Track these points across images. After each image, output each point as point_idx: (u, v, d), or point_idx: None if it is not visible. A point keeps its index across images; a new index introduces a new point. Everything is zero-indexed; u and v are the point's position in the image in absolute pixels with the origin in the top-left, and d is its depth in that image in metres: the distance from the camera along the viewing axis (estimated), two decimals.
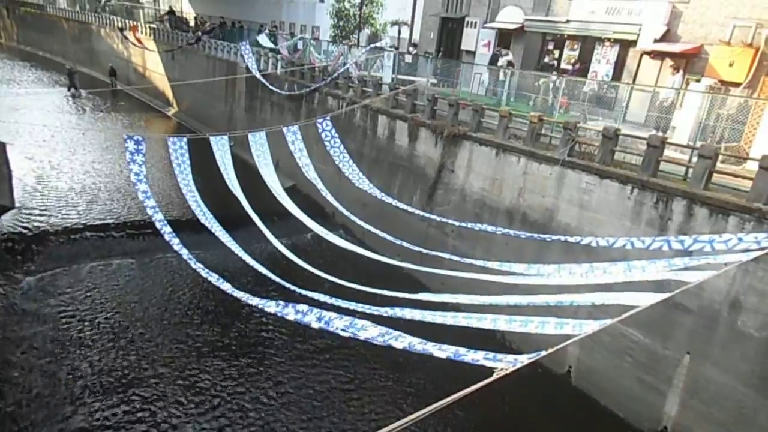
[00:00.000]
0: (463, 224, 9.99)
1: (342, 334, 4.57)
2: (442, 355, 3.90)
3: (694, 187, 9.60)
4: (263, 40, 25.16)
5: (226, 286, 7.11)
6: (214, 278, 7.54)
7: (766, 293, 8.57)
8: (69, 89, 35.27)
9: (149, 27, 36.89)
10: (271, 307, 5.56)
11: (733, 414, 8.97)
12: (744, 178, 9.51)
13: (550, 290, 6.51)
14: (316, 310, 4.97)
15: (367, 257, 8.87)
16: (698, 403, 9.42)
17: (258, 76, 22.58)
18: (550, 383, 11.08)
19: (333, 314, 4.79)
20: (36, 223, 16.06)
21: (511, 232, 8.07)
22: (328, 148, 11.78)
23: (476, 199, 13.91)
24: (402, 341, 4.13)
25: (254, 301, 6.16)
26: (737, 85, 14.07)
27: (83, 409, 9.63)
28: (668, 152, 10.66)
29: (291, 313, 5.17)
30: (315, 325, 4.82)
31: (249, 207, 10.15)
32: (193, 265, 8.05)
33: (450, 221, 10.29)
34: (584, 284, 5.99)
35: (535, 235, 8.39)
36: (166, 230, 8.44)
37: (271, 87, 22.02)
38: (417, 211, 11.06)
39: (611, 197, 10.81)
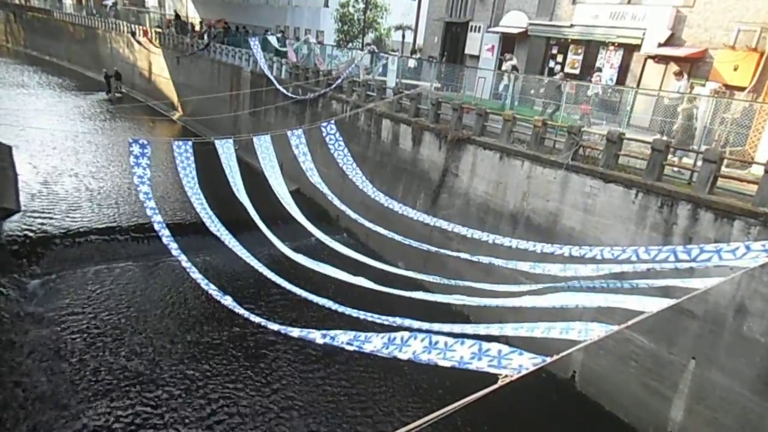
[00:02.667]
0: (467, 231, 9.67)
1: (348, 348, 4.62)
2: (447, 364, 3.91)
3: (699, 191, 9.56)
4: (272, 39, 25.49)
5: (227, 301, 7.10)
6: (215, 292, 7.52)
7: None
8: (108, 93, 37.58)
9: (155, 32, 37.15)
10: (274, 326, 5.66)
11: (739, 420, 8.91)
12: (749, 182, 9.48)
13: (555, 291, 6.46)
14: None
15: (371, 264, 8.84)
16: (704, 408, 9.36)
17: (267, 71, 22.79)
18: (555, 388, 11.03)
19: (338, 331, 4.85)
20: (41, 227, 16.14)
21: (513, 243, 7.88)
22: (332, 151, 11.81)
23: (480, 202, 13.90)
24: (406, 352, 4.15)
25: (257, 319, 6.21)
26: (742, 89, 14.04)
27: (87, 411, 9.64)
28: (672, 156, 10.64)
29: (295, 330, 5.28)
30: (320, 340, 4.90)
31: (254, 212, 10.16)
32: (193, 275, 8.03)
33: (453, 227, 10.01)
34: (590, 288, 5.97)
35: (537, 248, 7.95)
36: (165, 233, 8.43)
37: (278, 86, 22.15)
38: (419, 217, 10.93)
39: (615, 201, 10.78)
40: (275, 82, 22.26)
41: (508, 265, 7.02)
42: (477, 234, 8.60)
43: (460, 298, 6.72)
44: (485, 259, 7.78)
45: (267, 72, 22.83)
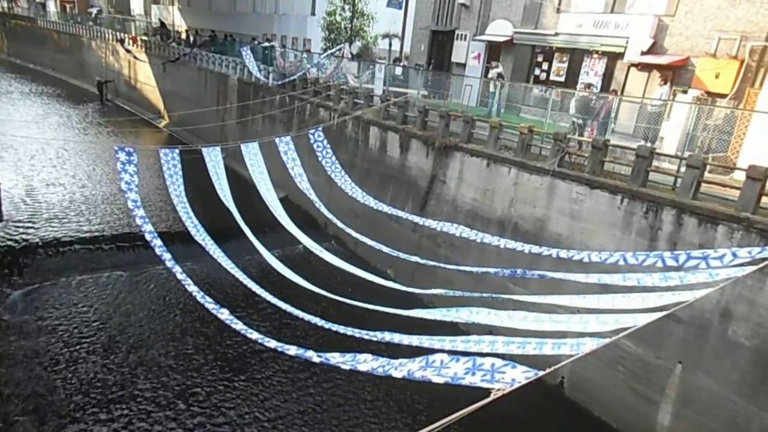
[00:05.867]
0: (456, 230, 9.59)
1: (343, 367, 4.58)
2: (441, 380, 3.89)
3: (683, 196, 9.69)
4: (267, 44, 26.31)
5: (224, 315, 6.98)
6: (211, 305, 7.40)
7: (755, 302, 8.63)
8: (102, 101, 38.50)
9: (141, 39, 36.98)
10: (271, 343, 5.59)
11: (726, 423, 8.97)
12: (732, 187, 9.62)
13: (544, 308, 6.44)
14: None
15: (359, 273, 8.77)
16: (691, 412, 9.42)
17: (256, 73, 23.26)
18: (543, 394, 11.04)
19: (335, 353, 4.82)
20: (24, 236, 15.86)
21: (502, 241, 7.96)
22: (320, 158, 11.77)
23: (468, 209, 13.94)
24: (401, 370, 4.13)
25: (254, 335, 6.12)
26: (723, 96, 14.30)
27: (69, 425, 9.44)
28: (657, 162, 10.78)
29: (292, 349, 5.22)
30: (316, 359, 4.85)
31: (241, 220, 10.06)
32: (188, 288, 7.91)
33: (441, 226, 9.92)
34: (581, 305, 5.98)
35: (526, 249, 8.06)
36: (157, 243, 8.30)
37: (261, 77, 23.36)
38: (410, 217, 10.89)
39: (602, 207, 10.88)
40: (258, 74, 23.15)
41: (497, 271, 7.02)
42: (465, 232, 8.55)
43: (447, 313, 6.65)
44: (475, 269, 7.78)
45: (258, 75, 23.34)
